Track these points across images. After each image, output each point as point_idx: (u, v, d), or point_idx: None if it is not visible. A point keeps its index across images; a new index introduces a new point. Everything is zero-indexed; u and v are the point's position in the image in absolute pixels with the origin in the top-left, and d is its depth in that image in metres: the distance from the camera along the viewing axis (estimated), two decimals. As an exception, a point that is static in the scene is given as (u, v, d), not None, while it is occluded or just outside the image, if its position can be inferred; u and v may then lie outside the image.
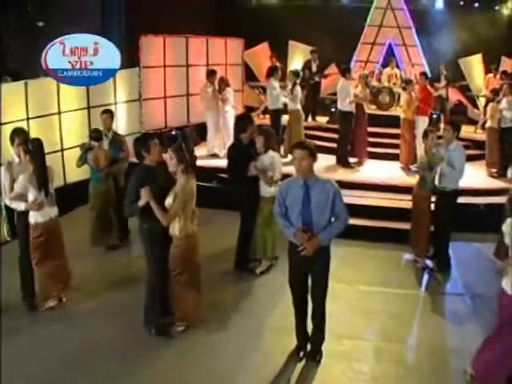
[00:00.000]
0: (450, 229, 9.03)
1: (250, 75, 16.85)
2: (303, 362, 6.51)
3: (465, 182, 9.22)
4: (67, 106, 11.70)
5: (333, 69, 16.46)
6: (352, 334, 7.19)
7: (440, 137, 9.30)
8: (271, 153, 8.33)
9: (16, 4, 13.02)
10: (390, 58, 17.29)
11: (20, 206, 7.38)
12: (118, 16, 13.90)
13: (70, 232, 9.55)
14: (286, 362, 6.50)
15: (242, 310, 7.77)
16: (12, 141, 7.75)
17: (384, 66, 17.37)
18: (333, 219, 6.08)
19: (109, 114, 9.98)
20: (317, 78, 15.94)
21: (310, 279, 6.31)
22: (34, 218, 7.38)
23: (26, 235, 7.47)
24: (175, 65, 14.30)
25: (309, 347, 6.59)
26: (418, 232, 9.16)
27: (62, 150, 11.59)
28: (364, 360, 6.64)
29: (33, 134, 10.68)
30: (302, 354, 6.56)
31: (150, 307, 7.01)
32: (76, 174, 10.77)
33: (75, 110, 11.91)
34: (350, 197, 10.41)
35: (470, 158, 11.33)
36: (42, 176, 7.30)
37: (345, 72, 12.74)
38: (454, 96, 16.17)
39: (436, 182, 8.87)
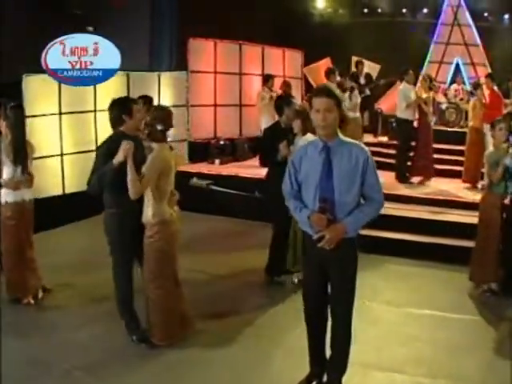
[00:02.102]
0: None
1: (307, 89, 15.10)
2: (316, 395, 4.59)
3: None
4: (104, 104, 10.16)
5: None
6: (386, 364, 5.22)
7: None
8: (309, 136, 6.54)
9: (65, 6, 11.89)
10: (456, 75, 15.39)
11: None
12: (169, 18, 12.61)
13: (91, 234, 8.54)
14: (294, 393, 4.64)
15: (256, 325, 6.01)
16: None
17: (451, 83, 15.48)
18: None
19: (143, 99, 8.07)
20: (367, 91, 13.63)
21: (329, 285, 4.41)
22: (4, 196, 6.01)
23: None
24: (227, 72, 12.71)
25: (325, 377, 4.60)
26: (486, 248, 7.00)
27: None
28: (397, 399, 4.68)
29: (65, 131, 9.63)
30: (314, 384, 4.61)
31: (129, 320, 5.47)
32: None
33: (113, 110, 10.41)
34: (401, 210, 8.98)
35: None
36: (19, 148, 5.96)
37: (403, 75, 10.69)
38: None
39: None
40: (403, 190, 10.11)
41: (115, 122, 5.32)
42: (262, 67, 13.30)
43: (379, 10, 16.72)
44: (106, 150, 5.10)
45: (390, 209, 8.92)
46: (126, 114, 5.25)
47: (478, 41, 15.41)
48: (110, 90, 10.13)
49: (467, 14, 15.47)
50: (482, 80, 12.00)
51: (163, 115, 5.22)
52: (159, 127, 5.09)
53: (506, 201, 7.01)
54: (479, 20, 15.65)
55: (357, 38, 15.57)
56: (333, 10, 16.99)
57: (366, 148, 4.26)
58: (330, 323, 4.49)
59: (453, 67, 15.81)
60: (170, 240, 5.17)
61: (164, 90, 11.46)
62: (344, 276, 4.31)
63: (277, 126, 7.12)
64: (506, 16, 15.59)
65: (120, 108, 5.32)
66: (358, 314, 5.98)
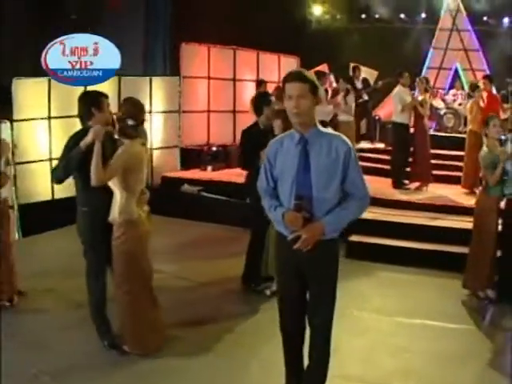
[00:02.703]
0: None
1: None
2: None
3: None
4: (94, 109, 9.96)
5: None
6: (370, 377, 4.82)
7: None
8: None
9: (59, 11, 11.67)
10: (455, 80, 14.91)
11: None
12: (163, 22, 12.36)
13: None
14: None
15: (234, 333, 5.64)
16: None
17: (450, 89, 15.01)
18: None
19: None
20: (365, 97, 13.21)
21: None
22: None
23: None
24: (221, 77, 12.38)
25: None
26: (480, 253, 6.58)
27: (86, 156, 9.82)
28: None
29: (54, 135, 9.36)
30: (290, 398, 4.16)
31: (100, 324, 5.19)
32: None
33: (102, 115, 10.12)
34: (396, 216, 8.66)
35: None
36: None
37: (398, 77, 10.29)
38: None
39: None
40: (399, 196, 9.71)
41: (84, 115, 5.08)
42: (257, 73, 12.96)
43: (377, 16, 16.37)
44: (73, 144, 4.87)
45: (385, 215, 8.64)
46: (95, 107, 4.99)
47: (478, 46, 15.08)
48: (99, 94, 9.89)
49: (466, 19, 15.14)
50: (481, 82, 11.58)
51: (134, 110, 4.96)
52: (130, 122, 4.84)
53: (502, 204, 6.64)
54: (478, 24, 15.28)
55: (354, 43, 15.40)
56: (330, 16, 16.70)
57: (350, 143, 3.81)
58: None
59: (452, 73, 15.44)
60: (138, 242, 4.84)
61: (156, 94, 11.17)
62: (323, 281, 3.87)
63: (255, 127, 6.71)
64: (506, 19, 15.20)
65: (89, 101, 5.10)
66: (345, 324, 5.65)
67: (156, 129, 11.21)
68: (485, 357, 5.27)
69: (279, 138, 3.99)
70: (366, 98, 13.16)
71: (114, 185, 4.78)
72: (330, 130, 3.92)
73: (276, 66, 13.52)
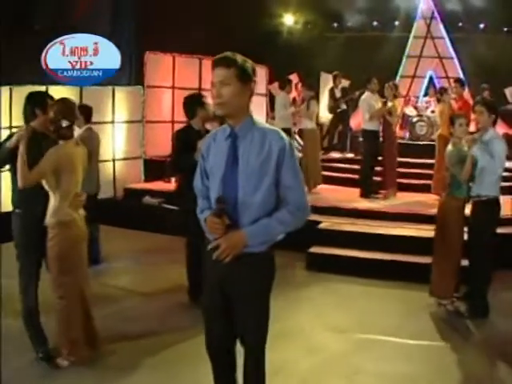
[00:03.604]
0: (489, 258, 5.92)
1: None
2: None
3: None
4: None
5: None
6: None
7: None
8: None
9: (24, 22, 11.21)
10: (429, 88, 14.40)
11: None
12: (128, 31, 12.00)
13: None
14: None
15: (171, 349, 5.14)
16: None
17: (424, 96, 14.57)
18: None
19: (80, 109, 7.18)
20: (344, 106, 12.81)
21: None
22: None
23: None
24: (186, 87, 11.82)
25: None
26: (445, 261, 6.09)
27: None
28: None
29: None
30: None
31: (33, 333, 4.89)
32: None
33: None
34: (358, 225, 8.19)
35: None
36: None
37: (366, 83, 9.83)
38: (501, 129, 13.04)
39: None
40: (363, 205, 9.23)
41: (28, 115, 4.90)
42: (224, 83, 12.43)
43: (349, 24, 16.03)
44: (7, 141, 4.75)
45: (347, 224, 8.29)
46: (39, 108, 4.82)
47: (453, 53, 14.78)
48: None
49: (441, 27, 14.83)
50: (452, 85, 11.13)
51: (66, 109, 4.73)
52: (64, 124, 4.64)
53: (468, 209, 6.11)
54: (453, 31, 14.98)
55: (326, 52, 15.03)
56: (301, 25, 16.32)
57: (287, 138, 3.24)
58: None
59: (426, 81, 15.04)
60: (70, 244, 4.62)
61: (119, 104, 10.71)
62: (247, 299, 3.27)
63: (190, 129, 6.22)
64: (481, 25, 14.84)
65: (34, 101, 4.90)
66: (294, 342, 5.12)
67: (119, 139, 10.70)
68: (452, 378, 4.72)
69: (214, 132, 3.47)
70: (344, 107, 12.71)
71: (47, 186, 4.61)
72: (265, 124, 3.36)
73: (243, 77, 13.01)
